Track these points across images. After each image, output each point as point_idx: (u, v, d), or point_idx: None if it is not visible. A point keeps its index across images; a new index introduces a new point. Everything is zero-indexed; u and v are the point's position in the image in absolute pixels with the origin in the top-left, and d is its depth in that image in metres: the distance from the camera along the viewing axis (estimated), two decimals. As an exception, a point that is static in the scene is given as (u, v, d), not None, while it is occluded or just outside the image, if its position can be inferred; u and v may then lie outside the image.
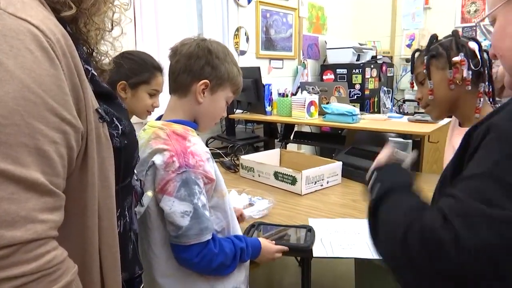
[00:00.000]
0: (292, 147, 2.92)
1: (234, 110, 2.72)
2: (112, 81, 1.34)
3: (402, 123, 2.13)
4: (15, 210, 0.44)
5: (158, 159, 0.95)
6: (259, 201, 1.60)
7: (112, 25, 0.68)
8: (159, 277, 1.00)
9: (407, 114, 3.72)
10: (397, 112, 3.68)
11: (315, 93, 2.43)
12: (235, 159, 2.23)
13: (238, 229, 1.15)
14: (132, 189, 0.78)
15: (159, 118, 1.10)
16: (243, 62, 3.13)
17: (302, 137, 2.44)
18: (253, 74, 2.48)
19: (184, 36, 2.50)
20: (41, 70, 0.47)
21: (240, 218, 1.32)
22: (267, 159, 2.14)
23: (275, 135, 2.71)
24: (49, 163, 0.48)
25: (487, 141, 0.52)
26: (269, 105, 2.51)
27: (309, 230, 1.31)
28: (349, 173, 1.95)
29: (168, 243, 0.98)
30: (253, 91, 2.49)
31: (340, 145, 2.23)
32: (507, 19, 0.60)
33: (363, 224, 1.37)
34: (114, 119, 0.65)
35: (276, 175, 1.84)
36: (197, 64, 1.02)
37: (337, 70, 3.71)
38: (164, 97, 1.29)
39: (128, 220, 0.74)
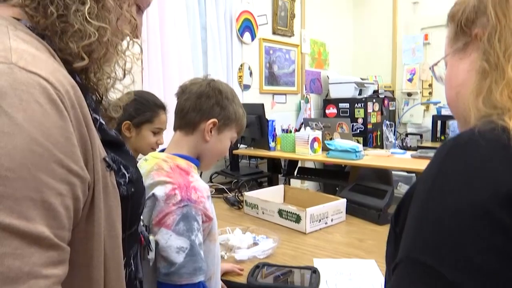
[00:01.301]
0: (295, 182, 2.92)
1: (238, 145, 2.75)
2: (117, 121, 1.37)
3: (405, 160, 2.14)
4: (19, 266, 0.43)
5: (159, 191, 0.93)
6: (263, 240, 1.59)
7: (124, 74, 0.71)
8: None
9: (410, 148, 3.74)
10: (400, 146, 3.70)
11: (318, 129, 2.46)
12: (239, 195, 2.23)
13: (219, 279, 1.12)
14: (138, 236, 0.78)
15: (162, 151, 1.10)
16: (247, 97, 3.19)
17: (306, 173, 2.45)
18: (257, 110, 2.52)
19: (189, 73, 2.57)
20: (50, 123, 0.48)
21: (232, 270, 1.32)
22: (271, 195, 2.14)
23: (279, 170, 2.71)
24: (54, 215, 0.47)
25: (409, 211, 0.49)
26: (273, 141, 2.53)
27: (314, 271, 1.30)
28: (353, 210, 1.95)
29: (153, 281, 0.92)
30: (257, 127, 2.52)
31: (344, 181, 2.24)
32: (453, 70, 0.61)
33: (368, 265, 1.37)
34: (122, 167, 0.65)
35: (281, 212, 1.84)
36: (207, 103, 1.04)
37: (340, 104, 3.76)
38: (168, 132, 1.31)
39: (133, 268, 0.74)
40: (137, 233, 0.77)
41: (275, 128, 2.55)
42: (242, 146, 2.78)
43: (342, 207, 1.88)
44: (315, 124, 2.49)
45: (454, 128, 3.36)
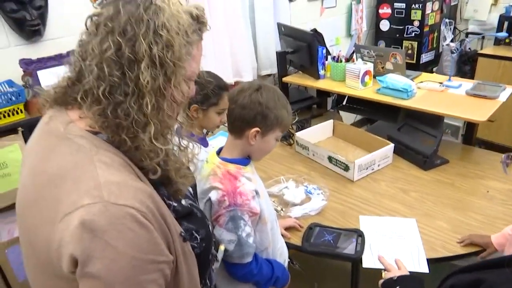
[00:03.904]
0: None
1: (288, 67, 2.74)
2: None
3: (459, 99, 2.09)
4: None
5: (213, 196, 1.17)
6: (315, 191, 1.78)
7: (188, 163, 0.86)
8: None
9: (469, 52, 3.51)
10: (458, 49, 3.48)
11: (370, 57, 2.39)
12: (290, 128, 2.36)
13: (277, 246, 1.35)
14: (210, 261, 0.98)
15: (220, 150, 1.28)
16: (295, 8, 3.04)
17: (355, 103, 2.47)
18: (307, 38, 2.45)
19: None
20: (141, 240, 0.65)
21: (294, 226, 1.58)
22: (320, 133, 2.26)
23: (328, 93, 2.75)
24: None
25: None
26: (322, 69, 2.51)
27: (360, 235, 1.50)
28: (400, 151, 2.04)
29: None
30: (307, 55, 2.49)
31: (394, 116, 2.26)
32: None
33: (409, 225, 1.54)
34: (193, 232, 0.84)
35: (330, 159, 1.98)
36: (249, 114, 1.17)
37: (395, 4, 3.47)
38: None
39: (208, 283, 0.96)
40: (209, 259, 0.98)
41: (325, 56, 2.51)
42: (290, 69, 2.79)
43: (389, 152, 1.98)
44: (367, 52, 2.41)
45: (522, 33, 3.07)
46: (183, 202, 0.87)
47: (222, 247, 1.14)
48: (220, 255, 1.12)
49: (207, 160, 1.28)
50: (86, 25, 0.72)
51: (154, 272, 0.67)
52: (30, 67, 1.77)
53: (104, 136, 0.71)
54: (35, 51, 1.88)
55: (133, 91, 0.68)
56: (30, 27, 1.80)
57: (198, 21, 0.77)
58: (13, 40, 1.84)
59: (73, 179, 0.65)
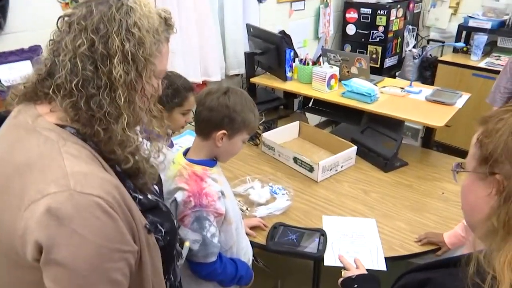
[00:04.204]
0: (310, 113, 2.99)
1: (255, 68, 2.77)
2: None
3: (419, 104, 2.18)
4: None
5: (179, 197, 1.18)
6: (280, 191, 1.81)
7: (158, 155, 0.88)
8: None
9: (430, 58, 3.66)
10: (419, 55, 3.62)
11: (336, 62, 2.46)
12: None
13: (242, 245, 1.36)
14: (174, 256, 0.99)
15: (186, 151, 1.28)
16: (264, 10, 3.06)
17: (321, 105, 2.52)
18: (276, 40, 2.49)
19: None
20: (107, 228, 0.66)
21: (258, 225, 1.60)
22: (287, 134, 2.30)
23: (295, 95, 2.79)
24: (118, 283, 0.69)
25: None
26: (289, 71, 2.55)
27: (322, 234, 1.54)
28: (362, 153, 2.11)
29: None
30: (275, 56, 2.52)
31: (358, 119, 2.33)
32: (471, 188, 0.67)
33: (369, 225, 1.60)
34: (158, 225, 0.85)
35: (295, 159, 2.01)
36: (216, 117, 1.18)
37: (361, 9, 3.57)
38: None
39: (172, 278, 0.97)
40: (174, 254, 0.99)
41: (293, 58, 2.55)
42: (258, 69, 2.81)
43: (352, 154, 2.05)
44: (333, 56, 2.47)
45: (478, 43, 3.23)
46: (149, 196, 0.88)
47: (187, 244, 1.15)
48: (185, 252, 1.13)
49: (174, 160, 1.28)
50: (57, 24, 0.74)
51: (120, 261, 0.68)
52: (-12, 60, 1.70)
53: (72, 130, 0.73)
54: (-6, 44, 1.81)
55: (105, 84, 0.71)
56: (-11, 19, 1.73)
57: (166, 23, 0.81)
58: (-31, 31, 1.76)
59: (40, 169, 0.66)
